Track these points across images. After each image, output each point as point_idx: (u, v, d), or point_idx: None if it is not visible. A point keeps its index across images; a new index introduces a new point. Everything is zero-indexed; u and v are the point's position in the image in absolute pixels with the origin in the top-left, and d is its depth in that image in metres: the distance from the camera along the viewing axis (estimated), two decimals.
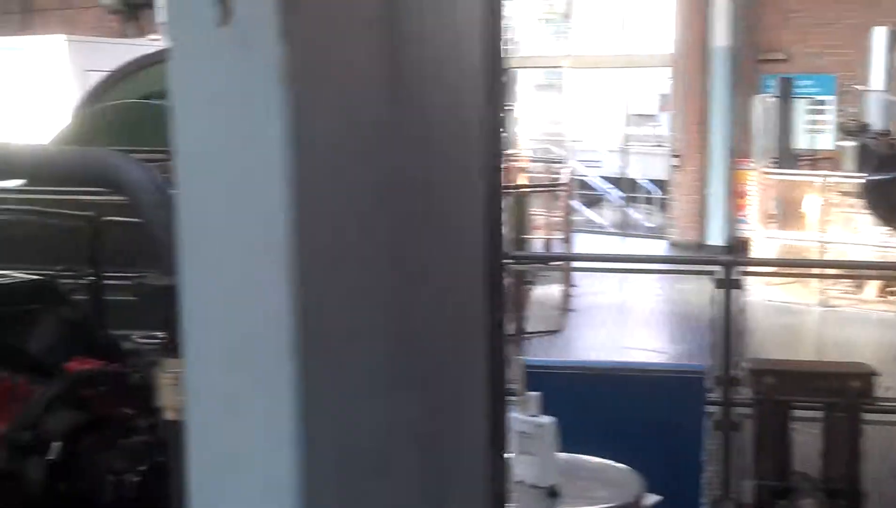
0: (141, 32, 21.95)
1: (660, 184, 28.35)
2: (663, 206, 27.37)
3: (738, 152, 22.94)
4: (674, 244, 24.56)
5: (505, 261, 3.03)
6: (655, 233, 27.09)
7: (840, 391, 7.22)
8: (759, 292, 16.07)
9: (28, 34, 23.73)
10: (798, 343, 16.04)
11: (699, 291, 9.79)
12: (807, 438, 7.59)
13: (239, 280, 1.66)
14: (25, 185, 8.22)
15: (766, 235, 19.23)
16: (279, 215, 1.60)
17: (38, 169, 4.78)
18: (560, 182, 20.16)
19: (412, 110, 1.77)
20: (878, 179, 16.25)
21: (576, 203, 25.06)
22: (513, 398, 4.87)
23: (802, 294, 17.64)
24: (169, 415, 3.70)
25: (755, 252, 19.11)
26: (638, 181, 29.84)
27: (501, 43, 1.93)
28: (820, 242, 18.47)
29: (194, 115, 1.69)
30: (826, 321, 17.01)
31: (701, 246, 23.49)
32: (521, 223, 17.51)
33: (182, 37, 1.68)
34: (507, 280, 8.65)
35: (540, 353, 13.37)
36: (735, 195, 22.72)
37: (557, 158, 28.18)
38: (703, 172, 23.90)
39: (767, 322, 15.79)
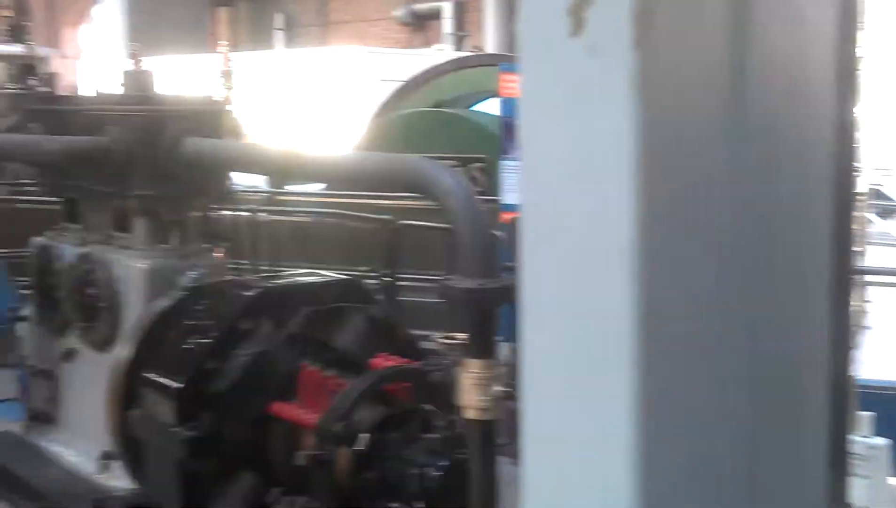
0: (427, 43, 22.80)
1: None
2: None
3: None
4: None
5: (854, 273, 2.90)
6: None
7: None
8: None
9: (324, 45, 25.19)
10: None
11: None
12: None
13: (580, 286, 1.68)
14: (327, 189, 8.75)
15: None
16: (625, 221, 1.60)
17: (348, 174, 5.07)
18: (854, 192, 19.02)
19: (758, 118, 1.73)
20: None
21: (869, 214, 23.60)
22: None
23: None
24: (470, 414, 3.81)
25: None
26: None
27: (855, 46, 1.85)
28: None
29: (542, 122, 1.72)
30: None
31: None
32: None
33: (533, 47, 1.72)
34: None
35: None
36: None
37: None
38: None
39: None
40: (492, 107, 9.35)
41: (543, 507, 1.77)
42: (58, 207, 6.41)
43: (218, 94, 5.92)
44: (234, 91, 5.73)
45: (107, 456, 5.48)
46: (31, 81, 13.08)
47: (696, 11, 1.66)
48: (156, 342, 5.15)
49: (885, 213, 28.40)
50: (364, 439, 4.15)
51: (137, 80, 5.77)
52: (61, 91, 11.91)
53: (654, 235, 1.61)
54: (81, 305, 5.74)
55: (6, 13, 15.23)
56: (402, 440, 4.21)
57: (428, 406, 4.35)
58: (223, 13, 27.79)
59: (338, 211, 8.19)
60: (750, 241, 1.73)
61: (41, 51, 14.00)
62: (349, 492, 4.24)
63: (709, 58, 1.69)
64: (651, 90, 1.59)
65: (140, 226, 5.63)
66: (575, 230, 1.68)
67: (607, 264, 1.63)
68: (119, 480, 5.43)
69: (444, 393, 4.22)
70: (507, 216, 6.47)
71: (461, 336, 3.82)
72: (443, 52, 17.98)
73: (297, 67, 13.26)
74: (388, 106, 10.93)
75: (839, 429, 1.81)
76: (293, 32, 27.38)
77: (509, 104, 6.73)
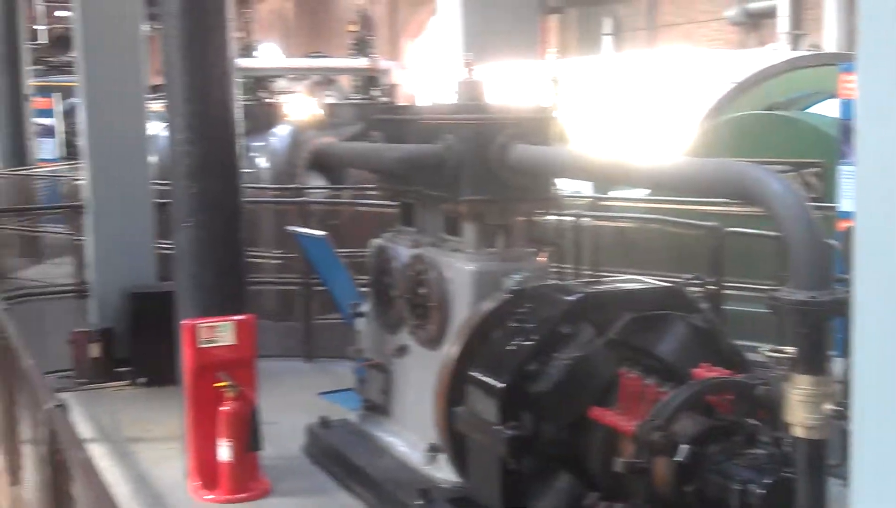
0: (762, 43, 21.95)
1: None
2: None
3: None
4: None
5: None
6: None
7: None
8: None
9: (653, 48, 24.93)
10: None
11: None
12: None
13: None
14: (651, 194, 8.64)
15: None
16: None
17: (670, 179, 4.99)
18: None
19: None
20: None
21: None
22: None
23: None
24: (797, 432, 3.63)
25: None
26: None
27: None
28: None
29: (880, 125, 1.61)
30: None
31: None
32: None
33: (873, 46, 1.61)
34: None
35: None
36: None
37: None
38: None
39: None
40: (829, 109, 8.86)
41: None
42: (395, 210, 6.80)
43: (546, 100, 6.03)
44: (562, 97, 5.80)
45: (433, 449, 5.73)
46: (374, 92, 13.94)
47: None
48: (481, 342, 5.33)
49: None
50: (684, 450, 4.07)
51: (469, 89, 6.00)
52: (400, 101, 12.63)
53: None
54: (413, 304, 6.05)
55: (353, 28, 16.35)
56: (724, 453, 4.09)
57: (752, 421, 4.20)
58: (553, 20, 28.26)
59: (662, 217, 8.08)
60: None
61: (383, 63, 14.91)
62: (667, 503, 4.18)
63: None
64: None
65: (469, 230, 5.84)
66: None
67: None
68: (444, 472, 5.68)
69: (769, 408, 4.05)
70: (844, 225, 6.11)
71: (790, 350, 3.65)
72: (777, 51, 17.27)
73: (626, 70, 13.24)
74: (719, 108, 10.64)
75: None
76: (621, 37, 27.33)
77: (849, 106, 6.36)
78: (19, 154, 17.64)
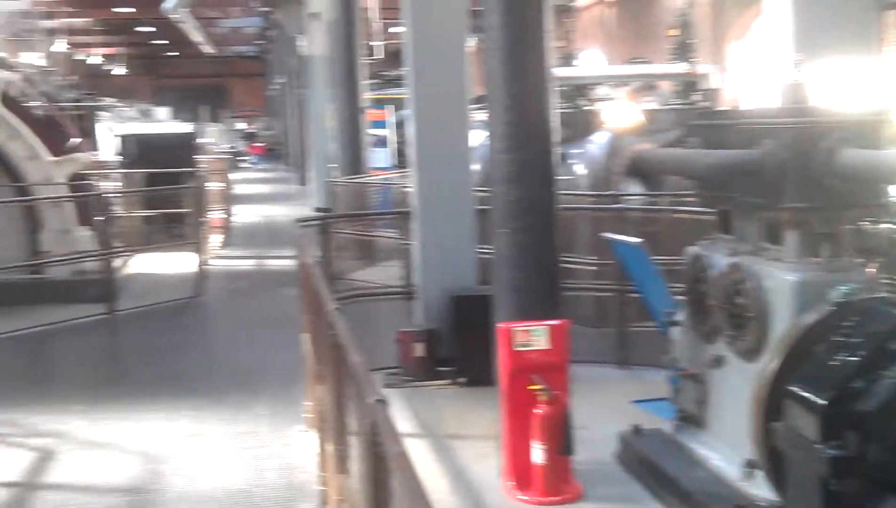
0: None
1: None
2: None
3: None
4: None
5: None
6: None
7: None
8: None
9: None
10: None
11: None
12: None
13: None
14: None
15: None
16: None
17: None
18: None
19: None
20: None
21: None
22: None
23: None
24: None
25: None
26: None
27: None
28: None
29: None
30: None
31: None
32: None
33: None
34: None
35: None
36: None
37: None
38: None
39: None
40: None
41: None
42: (712, 218, 6.64)
43: (881, 101, 5.66)
44: None
45: (750, 465, 5.53)
46: (694, 97, 13.65)
47: None
48: (802, 356, 5.08)
49: None
50: None
51: (794, 91, 5.74)
52: (721, 106, 12.27)
53: None
54: (730, 314, 5.87)
55: (673, 32, 16.09)
56: None
57: None
58: (892, 16, 26.38)
59: None
60: None
61: (703, 67, 14.58)
62: None
63: None
64: None
65: (791, 238, 5.59)
66: None
67: None
68: (761, 490, 5.46)
69: None
70: None
71: None
72: None
73: None
74: None
75: None
76: None
77: None
78: (356, 163, 18.87)
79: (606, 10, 34.33)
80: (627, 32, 32.98)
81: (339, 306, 5.03)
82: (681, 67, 14.19)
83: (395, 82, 25.57)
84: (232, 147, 49.29)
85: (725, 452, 5.91)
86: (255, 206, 28.07)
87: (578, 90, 13.14)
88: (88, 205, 14.39)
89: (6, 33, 22.54)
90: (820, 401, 4.63)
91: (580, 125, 12.23)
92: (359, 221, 14.81)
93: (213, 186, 20.78)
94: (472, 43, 9.86)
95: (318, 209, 13.58)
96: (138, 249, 16.40)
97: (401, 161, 21.25)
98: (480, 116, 10.75)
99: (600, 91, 13.73)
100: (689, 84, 13.88)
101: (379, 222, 14.92)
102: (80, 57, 47.35)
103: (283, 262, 16.78)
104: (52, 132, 15.48)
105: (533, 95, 6.76)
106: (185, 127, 28.37)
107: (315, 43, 23.72)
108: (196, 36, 38.86)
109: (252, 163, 52.49)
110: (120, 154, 22.18)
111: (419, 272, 9.56)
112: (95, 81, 45.33)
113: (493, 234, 7.05)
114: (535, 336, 6.22)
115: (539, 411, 6.10)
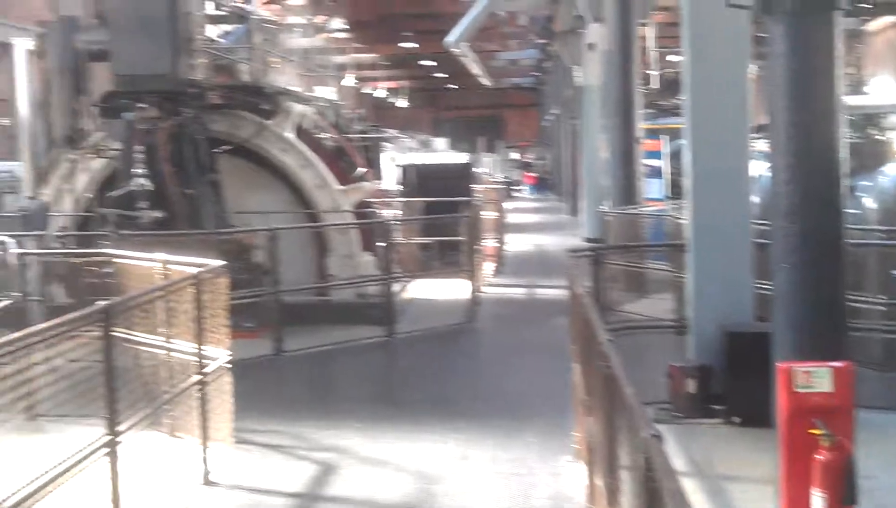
0: None
1: None
2: None
3: None
4: None
5: None
6: None
7: None
8: None
9: None
10: None
11: None
12: None
13: None
14: None
15: None
16: None
17: None
18: None
19: None
20: None
21: None
22: None
23: None
24: None
25: None
26: None
27: None
28: None
29: None
30: None
31: None
32: None
33: None
34: None
35: None
36: None
37: None
38: None
39: None
40: None
41: None
42: None
43: None
44: None
45: None
46: None
47: None
48: None
49: None
50: None
51: None
52: None
53: None
54: None
55: None
56: None
57: None
58: None
59: None
60: None
61: None
62: None
63: None
64: None
65: None
66: None
67: None
68: None
69: None
70: None
71: None
72: None
73: None
74: None
75: None
76: None
77: None
78: (628, 193, 18.72)
79: None
80: None
81: (611, 338, 5.00)
82: None
83: (671, 112, 25.20)
84: (505, 177, 50.28)
85: None
86: (527, 235, 28.46)
87: (869, 119, 12.44)
88: (372, 232, 15.11)
89: (302, 69, 24.18)
90: None
91: (870, 156, 11.57)
92: (630, 252, 14.67)
93: (488, 215, 21.23)
94: (753, 70, 9.57)
95: (589, 239, 13.57)
96: (415, 274, 17.03)
97: (675, 192, 20.87)
98: (761, 145, 10.40)
99: (893, 120, 12.93)
100: None
101: (651, 253, 14.73)
102: (367, 91, 49.88)
103: (553, 291, 16.90)
104: (341, 162, 16.40)
105: (819, 124, 6.48)
106: (462, 157, 29.24)
107: (590, 73, 23.84)
108: (474, 69, 40.02)
109: (524, 192, 53.31)
110: (400, 183, 23.17)
111: (692, 306, 9.34)
112: (380, 113, 47.61)
113: (771, 268, 6.79)
114: (818, 378, 5.92)
115: (820, 457, 5.78)
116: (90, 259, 10.78)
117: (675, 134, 23.67)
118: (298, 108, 16.19)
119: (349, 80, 40.12)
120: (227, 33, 17.41)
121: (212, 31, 16.37)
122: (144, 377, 7.80)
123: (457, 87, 61.85)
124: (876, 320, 9.61)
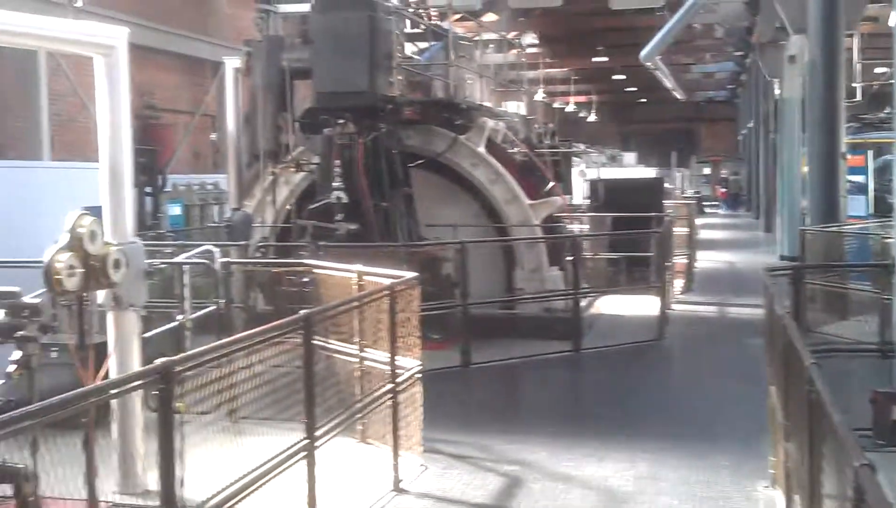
0: None
1: None
2: None
3: None
4: None
5: None
6: None
7: None
8: None
9: None
10: None
11: None
12: None
13: None
14: None
15: None
16: None
17: None
18: None
19: None
20: None
21: None
22: None
23: None
24: None
25: None
26: None
27: None
28: None
29: None
30: None
31: None
32: None
33: None
34: None
35: None
36: None
37: None
38: None
39: None
40: None
41: None
42: None
43: None
44: None
45: None
46: None
47: None
48: None
49: None
50: None
51: None
52: None
53: None
54: None
55: None
56: None
57: None
58: None
59: None
60: None
61: None
62: None
63: None
64: None
65: None
66: None
67: None
68: None
69: None
70: None
71: None
72: None
73: None
74: None
75: None
76: None
77: None
78: (830, 210, 17.94)
79: None
80: None
81: (816, 362, 4.80)
82: None
83: (875, 126, 24.05)
84: (696, 192, 49.16)
85: None
86: (718, 252, 27.72)
87: None
88: (560, 246, 15.06)
89: (494, 84, 24.40)
90: None
91: None
92: (832, 271, 14.05)
93: (678, 230, 20.80)
94: None
95: (785, 257, 13.09)
96: (603, 290, 16.85)
97: (880, 209, 19.91)
98: None
99: None
100: None
101: (853, 273, 14.06)
102: (557, 105, 49.87)
103: (746, 310, 16.39)
104: (531, 176, 16.44)
105: None
106: (651, 172, 28.77)
107: (791, 86, 23.01)
108: (667, 82, 39.35)
109: (716, 208, 51.96)
110: (589, 198, 22.99)
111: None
112: (569, 128, 47.46)
113: None
114: None
115: None
116: (289, 269, 11.19)
117: (880, 149, 22.59)
118: (490, 123, 16.34)
119: (539, 94, 40.19)
120: (422, 50, 17.78)
121: (409, 48, 16.73)
122: (339, 385, 8.04)
123: (646, 100, 60.94)
124: None
